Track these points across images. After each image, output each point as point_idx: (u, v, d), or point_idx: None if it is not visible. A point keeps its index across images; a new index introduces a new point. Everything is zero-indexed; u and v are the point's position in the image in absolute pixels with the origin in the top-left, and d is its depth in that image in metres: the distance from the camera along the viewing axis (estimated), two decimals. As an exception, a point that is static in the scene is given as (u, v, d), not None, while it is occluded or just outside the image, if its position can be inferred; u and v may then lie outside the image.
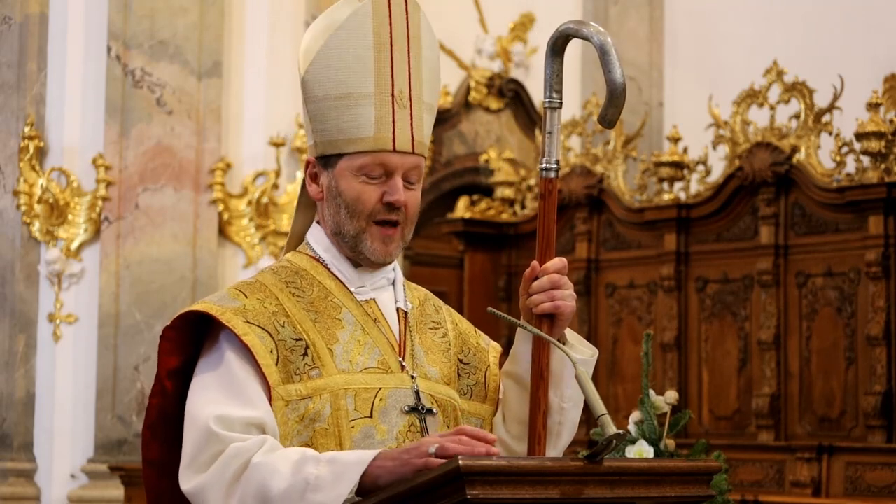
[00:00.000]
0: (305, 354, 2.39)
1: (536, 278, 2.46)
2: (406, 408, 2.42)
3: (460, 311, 2.74)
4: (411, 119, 2.48)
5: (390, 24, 2.48)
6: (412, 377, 2.46)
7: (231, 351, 2.39)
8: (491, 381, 2.61)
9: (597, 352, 2.54)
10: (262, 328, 2.38)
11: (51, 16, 8.01)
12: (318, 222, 2.56)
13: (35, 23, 7.96)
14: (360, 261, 2.50)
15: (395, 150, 2.45)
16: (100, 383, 7.76)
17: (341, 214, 2.47)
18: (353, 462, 2.23)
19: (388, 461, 2.22)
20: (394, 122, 2.46)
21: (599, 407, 2.20)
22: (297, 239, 2.60)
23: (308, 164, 2.54)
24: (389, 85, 2.46)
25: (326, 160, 2.49)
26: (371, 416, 2.39)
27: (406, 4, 2.50)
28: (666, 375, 7.80)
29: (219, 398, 2.35)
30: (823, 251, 7.36)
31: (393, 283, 2.55)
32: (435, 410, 2.46)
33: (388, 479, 2.21)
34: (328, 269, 2.51)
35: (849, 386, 7.18)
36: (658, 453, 4.37)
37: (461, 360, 2.59)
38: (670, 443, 4.45)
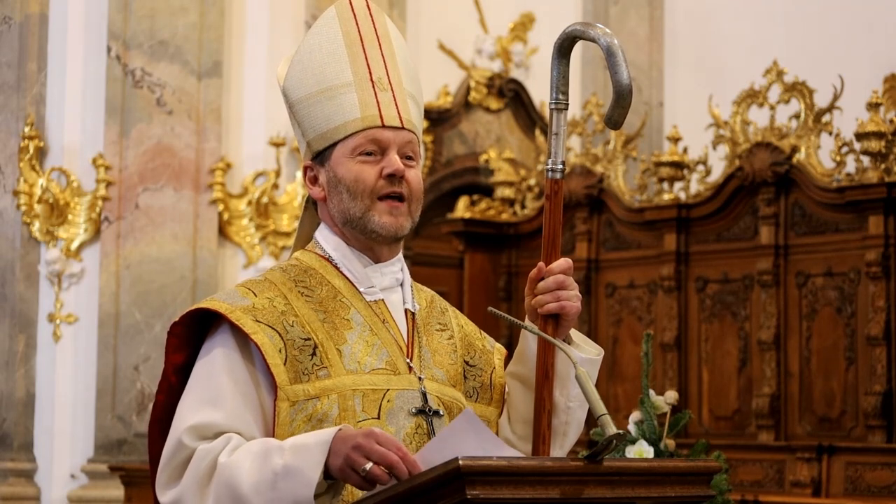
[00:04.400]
0: (314, 354, 2.39)
1: (542, 279, 2.46)
2: (413, 409, 2.42)
3: (460, 311, 2.74)
4: (395, 100, 2.50)
5: (356, 23, 2.53)
6: (420, 378, 2.46)
7: (222, 353, 2.39)
8: (497, 382, 2.61)
9: (602, 351, 2.55)
10: (271, 327, 2.38)
11: (51, 16, 8.01)
12: (324, 222, 2.56)
13: (35, 23, 7.96)
14: (372, 243, 2.50)
15: (384, 126, 2.47)
16: (100, 383, 7.76)
17: (345, 200, 2.48)
18: (315, 444, 2.23)
19: (338, 458, 2.20)
20: (378, 102, 2.49)
21: (599, 407, 2.20)
22: (303, 240, 2.61)
23: (305, 169, 2.55)
24: (367, 72, 2.50)
25: (321, 156, 2.51)
26: (378, 418, 2.39)
27: (368, 7, 2.56)
28: (666, 375, 7.80)
29: (197, 406, 2.36)
30: (823, 251, 7.36)
31: (401, 284, 2.56)
32: (442, 412, 2.46)
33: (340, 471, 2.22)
34: (337, 268, 2.51)
35: (849, 386, 7.18)
36: (658, 453, 4.38)
37: (467, 362, 2.59)
38: (670, 443, 4.45)
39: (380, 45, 2.53)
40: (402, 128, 2.49)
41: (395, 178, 2.46)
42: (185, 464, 2.32)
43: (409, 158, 2.50)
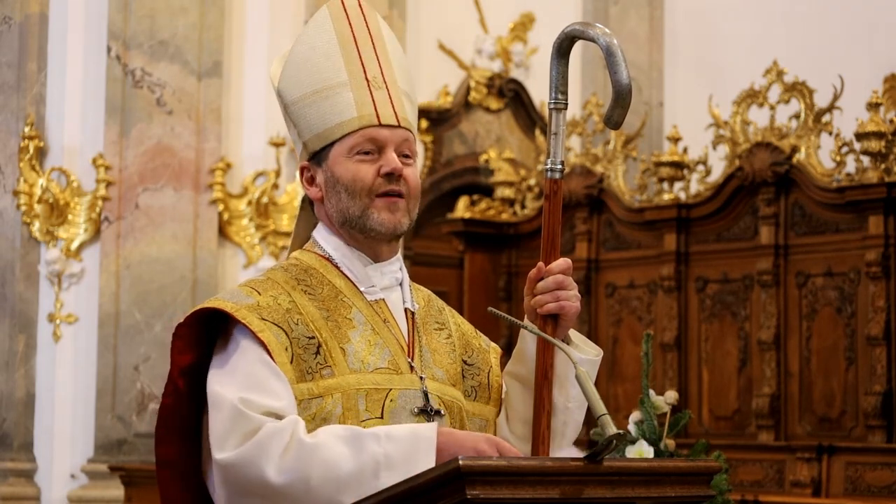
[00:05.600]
0: (318, 353, 2.39)
1: (541, 279, 2.47)
2: (415, 409, 2.42)
3: (460, 311, 2.74)
4: (390, 98, 2.50)
5: (349, 22, 2.54)
6: (421, 378, 2.46)
7: (250, 346, 2.36)
8: (494, 382, 2.61)
9: (601, 352, 2.55)
10: (277, 325, 2.38)
11: (51, 16, 8.01)
12: (322, 222, 2.56)
13: (35, 23, 7.96)
14: (371, 241, 2.50)
15: (380, 125, 2.47)
16: (100, 383, 7.76)
17: (343, 199, 2.47)
18: (420, 438, 2.25)
19: (451, 448, 2.24)
20: (374, 100, 2.49)
21: (599, 407, 2.20)
22: (300, 240, 2.60)
23: (302, 170, 2.55)
24: (362, 71, 2.51)
25: (318, 157, 2.51)
26: (382, 417, 2.38)
27: (360, 6, 2.56)
28: (666, 375, 7.80)
29: (242, 384, 2.31)
30: (823, 251, 7.36)
31: (401, 284, 2.56)
32: (443, 412, 2.46)
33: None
34: (338, 267, 2.51)
35: (849, 386, 7.18)
36: (658, 453, 4.37)
37: (465, 362, 2.59)
38: (670, 443, 4.45)
39: (373, 43, 2.54)
40: (399, 126, 2.49)
41: (393, 176, 2.46)
42: (248, 435, 2.26)
43: (406, 157, 2.50)
